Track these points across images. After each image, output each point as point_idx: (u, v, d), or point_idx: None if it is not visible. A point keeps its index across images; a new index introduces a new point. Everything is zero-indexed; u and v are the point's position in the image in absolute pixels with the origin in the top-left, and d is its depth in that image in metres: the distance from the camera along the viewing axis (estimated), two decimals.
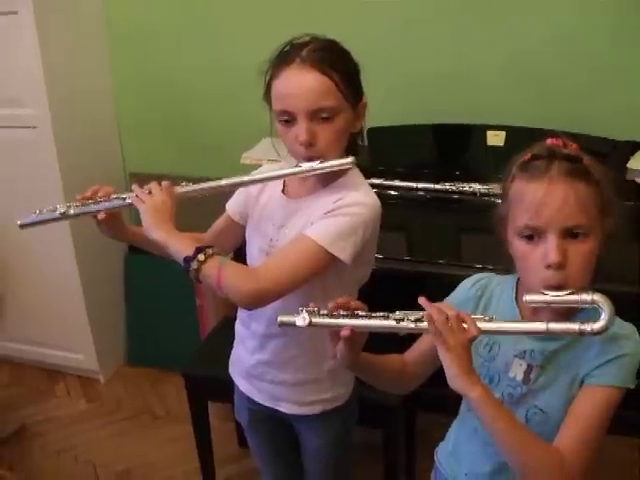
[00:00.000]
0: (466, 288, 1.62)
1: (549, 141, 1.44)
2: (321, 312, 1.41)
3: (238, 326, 2.01)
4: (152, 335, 3.78)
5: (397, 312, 1.38)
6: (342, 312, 1.40)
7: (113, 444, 3.30)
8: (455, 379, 1.32)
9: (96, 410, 3.56)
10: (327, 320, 1.41)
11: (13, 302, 3.71)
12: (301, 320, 1.41)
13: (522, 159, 1.43)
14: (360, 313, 1.40)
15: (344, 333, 1.39)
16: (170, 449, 3.21)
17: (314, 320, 1.41)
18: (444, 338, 1.32)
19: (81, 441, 3.33)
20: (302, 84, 1.64)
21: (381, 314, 1.39)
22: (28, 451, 3.27)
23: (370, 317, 1.40)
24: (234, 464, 3.10)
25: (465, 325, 1.33)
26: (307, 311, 1.42)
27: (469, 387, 1.32)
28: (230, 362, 2.09)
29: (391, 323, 1.38)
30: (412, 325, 1.37)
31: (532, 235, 1.37)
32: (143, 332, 3.82)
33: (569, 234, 1.35)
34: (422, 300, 1.37)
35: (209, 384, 2.67)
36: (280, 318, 1.46)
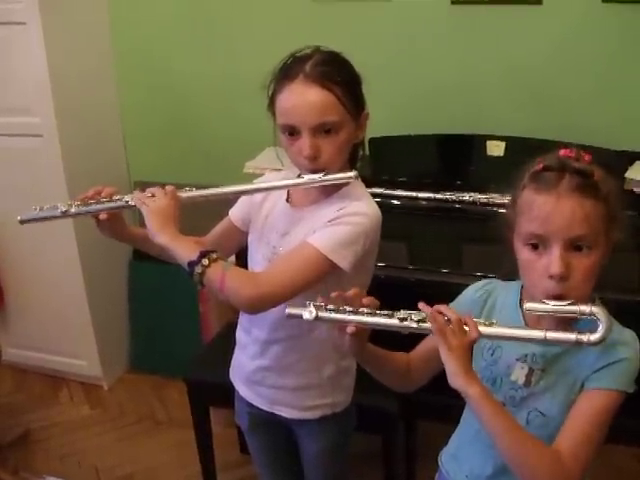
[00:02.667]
0: (472, 292, 1.65)
1: (562, 152, 1.45)
2: (328, 307, 1.44)
3: (239, 332, 2.03)
4: (155, 341, 3.80)
5: (401, 311, 1.42)
6: (348, 308, 1.44)
7: (116, 449, 3.32)
8: (455, 377, 1.35)
9: (99, 416, 3.58)
10: (333, 315, 1.44)
11: (17, 309, 3.73)
12: (308, 314, 1.44)
13: (534, 169, 1.45)
14: (365, 310, 1.43)
15: (349, 330, 1.42)
16: (172, 454, 3.23)
17: (320, 314, 1.44)
18: (446, 338, 1.35)
19: (84, 446, 3.35)
20: (305, 100, 1.68)
21: (385, 312, 1.43)
22: (32, 456, 3.29)
23: (374, 315, 1.43)
24: (235, 470, 3.11)
25: (467, 328, 1.37)
26: (314, 305, 1.45)
27: (468, 385, 1.34)
28: (231, 367, 2.11)
29: (394, 322, 1.41)
30: (415, 325, 1.40)
31: (537, 244, 1.40)
32: (146, 338, 3.84)
33: (573, 247, 1.37)
34: (421, 305, 1.40)
35: (211, 390, 2.68)
36: (288, 310, 1.49)
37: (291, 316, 1.49)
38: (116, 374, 3.84)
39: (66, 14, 3.21)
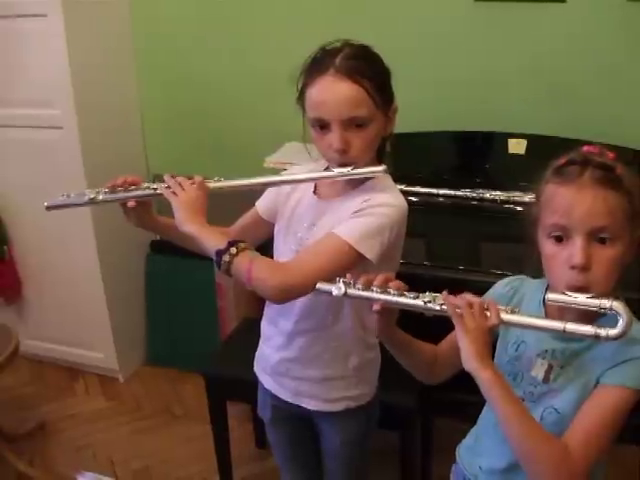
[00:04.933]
0: (500, 288, 1.67)
1: (585, 148, 1.46)
2: (356, 285, 1.47)
3: (264, 324, 2.04)
4: (172, 335, 3.81)
5: (427, 293, 1.44)
6: (375, 287, 1.46)
7: (132, 442, 3.32)
8: (469, 360, 1.37)
9: (115, 408, 3.59)
10: (361, 292, 1.47)
11: (35, 301, 3.76)
12: (337, 289, 1.47)
13: (557, 164, 1.46)
14: (392, 291, 1.45)
15: (375, 307, 1.46)
16: (188, 448, 3.23)
17: (349, 291, 1.47)
18: (462, 320, 1.37)
19: (100, 438, 3.36)
20: (336, 94, 1.68)
21: (412, 294, 1.45)
22: (47, 447, 3.30)
23: (401, 295, 1.45)
24: (251, 464, 3.12)
25: (488, 313, 1.38)
26: (343, 282, 1.48)
27: (481, 368, 1.35)
28: (255, 359, 2.12)
29: (419, 303, 1.43)
30: (438, 307, 1.42)
31: (560, 236, 1.40)
32: (163, 332, 3.85)
33: (596, 239, 1.37)
34: (444, 295, 1.42)
35: (229, 384, 2.70)
36: (318, 285, 1.52)
37: (320, 291, 1.52)
38: (132, 367, 3.85)
39: (87, 6, 3.21)
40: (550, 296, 1.39)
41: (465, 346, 1.37)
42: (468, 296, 1.42)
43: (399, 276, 1.92)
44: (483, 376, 1.35)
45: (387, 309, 1.47)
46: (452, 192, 2.77)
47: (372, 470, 2.19)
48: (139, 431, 3.41)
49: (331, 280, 1.65)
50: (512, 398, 1.37)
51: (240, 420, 3.18)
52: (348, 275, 1.49)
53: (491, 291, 1.67)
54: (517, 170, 2.73)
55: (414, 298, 1.43)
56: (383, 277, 1.47)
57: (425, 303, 1.42)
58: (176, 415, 3.51)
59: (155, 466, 3.17)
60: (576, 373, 1.46)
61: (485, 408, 1.68)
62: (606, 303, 1.32)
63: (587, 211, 1.36)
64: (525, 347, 1.55)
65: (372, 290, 1.46)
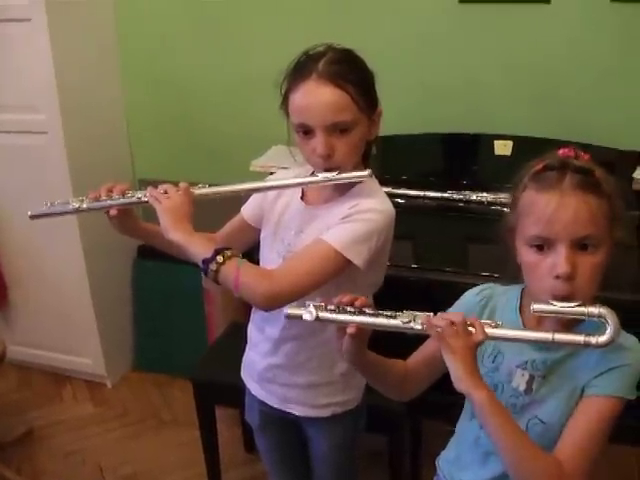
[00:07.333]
0: (471, 297, 1.63)
1: (561, 152, 1.42)
2: (328, 307, 1.43)
3: (251, 330, 2.03)
4: (159, 341, 3.79)
5: (405, 312, 1.40)
6: (349, 308, 1.42)
7: (120, 448, 3.31)
8: (460, 381, 1.33)
9: (103, 414, 3.57)
10: (334, 316, 1.42)
11: (22, 307, 3.73)
12: (308, 314, 1.43)
13: (534, 169, 1.43)
14: (367, 311, 1.41)
15: (350, 330, 1.40)
16: (176, 453, 3.22)
17: (321, 315, 1.42)
18: (447, 342, 1.34)
19: (88, 445, 3.34)
20: (319, 99, 1.67)
21: (388, 313, 1.41)
22: (35, 454, 3.28)
23: (377, 315, 1.41)
24: (240, 469, 3.11)
25: (472, 329, 1.35)
26: (314, 306, 1.43)
27: (473, 389, 1.33)
28: (242, 365, 2.11)
29: (397, 323, 1.39)
30: (419, 327, 1.38)
31: (542, 245, 1.37)
32: (151, 337, 3.83)
33: (579, 246, 1.35)
34: (424, 317, 1.38)
35: (217, 389, 2.70)
36: (288, 310, 1.48)
37: (291, 317, 1.47)
38: (120, 372, 3.84)
39: (72, 11, 3.20)
40: (536, 307, 1.36)
41: (454, 367, 1.34)
42: (449, 315, 1.38)
43: (386, 279, 1.93)
44: (476, 397, 1.33)
45: (360, 331, 1.42)
46: (439, 194, 2.77)
47: (362, 474, 2.19)
48: (127, 437, 3.40)
49: (319, 286, 1.64)
50: (506, 417, 1.36)
51: (229, 425, 3.17)
52: (318, 298, 1.46)
53: (462, 300, 1.64)
54: (503, 171, 2.71)
55: (392, 318, 1.40)
56: (349, 298, 1.43)
57: (404, 323, 1.38)
58: (164, 420, 3.50)
59: (144, 472, 3.16)
60: (559, 382, 1.45)
61: (462, 421, 1.67)
62: (594, 311, 1.31)
63: (570, 220, 1.33)
64: (502, 358, 1.53)
65: (346, 312, 1.42)
